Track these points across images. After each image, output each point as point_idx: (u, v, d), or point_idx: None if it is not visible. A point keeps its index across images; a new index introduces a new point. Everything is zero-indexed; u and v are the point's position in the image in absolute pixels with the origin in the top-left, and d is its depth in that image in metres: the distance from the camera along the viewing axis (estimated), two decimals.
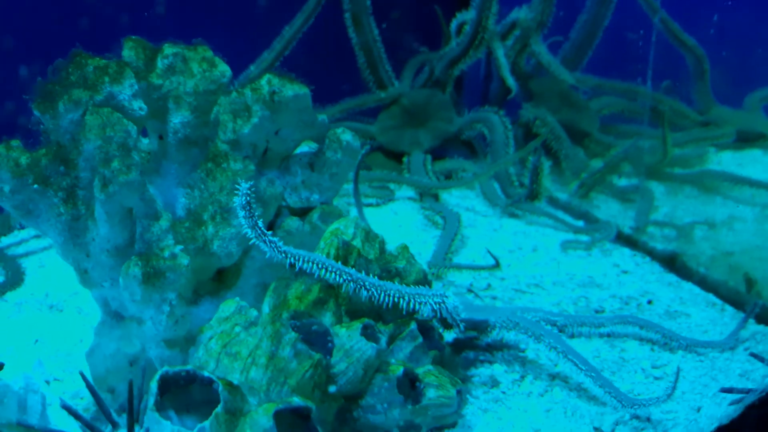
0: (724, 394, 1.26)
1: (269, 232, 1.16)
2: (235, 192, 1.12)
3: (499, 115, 2.41)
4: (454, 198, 2.35)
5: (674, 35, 2.35)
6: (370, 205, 2.28)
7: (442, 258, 1.80)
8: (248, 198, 1.11)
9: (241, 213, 1.12)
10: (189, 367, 1.03)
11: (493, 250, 1.90)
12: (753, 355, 1.35)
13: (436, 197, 2.28)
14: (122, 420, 1.11)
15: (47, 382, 1.19)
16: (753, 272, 1.56)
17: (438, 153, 2.57)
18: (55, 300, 1.75)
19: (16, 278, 1.89)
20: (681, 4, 2.23)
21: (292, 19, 2.52)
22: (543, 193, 2.13)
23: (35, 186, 1.24)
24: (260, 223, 1.14)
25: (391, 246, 1.38)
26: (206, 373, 1.03)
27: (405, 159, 2.50)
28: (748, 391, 1.18)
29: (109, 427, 1.08)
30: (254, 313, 1.24)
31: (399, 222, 2.18)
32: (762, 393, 1.07)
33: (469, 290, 1.69)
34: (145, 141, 1.40)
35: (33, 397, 1.07)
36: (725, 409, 1.24)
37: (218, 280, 1.37)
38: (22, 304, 1.74)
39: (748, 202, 1.87)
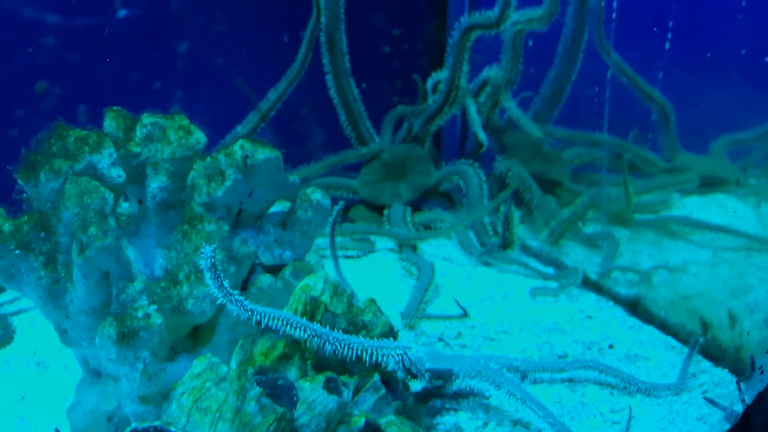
0: None
1: (236, 292, 1.23)
2: (202, 255, 1.20)
3: (473, 167, 2.51)
4: (432, 248, 2.42)
5: (639, 88, 2.46)
6: (351, 257, 2.36)
7: (416, 308, 1.86)
8: (212, 260, 1.18)
9: (207, 274, 1.19)
10: (156, 423, 1.09)
11: (466, 298, 1.96)
12: (707, 399, 1.40)
13: (414, 248, 2.36)
14: None
15: None
16: (708, 315, 1.62)
17: (417, 205, 2.67)
18: (42, 357, 1.81)
19: (5, 336, 1.95)
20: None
21: (277, 82, 2.64)
22: (515, 241, 2.21)
23: (17, 252, 1.31)
24: (226, 283, 1.21)
25: (368, 295, 1.45)
26: (173, 429, 1.09)
27: (386, 211, 2.58)
28: None
29: None
30: (225, 368, 1.30)
31: (378, 273, 2.25)
32: None
33: (440, 339, 1.75)
34: (125, 205, 1.48)
35: None
36: None
37: (194, 337, 1.44)
38: (11, 361, 1.80)
39: (708, 246, 1.95)
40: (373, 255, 2.38)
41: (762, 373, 1.06)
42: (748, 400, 1.16)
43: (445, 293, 2.03)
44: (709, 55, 1.89)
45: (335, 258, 1.96)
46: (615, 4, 2.14)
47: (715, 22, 1.88)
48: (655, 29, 1.95)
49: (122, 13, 2.55)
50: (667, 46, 1.94)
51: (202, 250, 1.19)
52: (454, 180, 2.60)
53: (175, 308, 1.35)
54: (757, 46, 1.80)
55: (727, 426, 1.21)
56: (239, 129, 2.63)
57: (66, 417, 1.37)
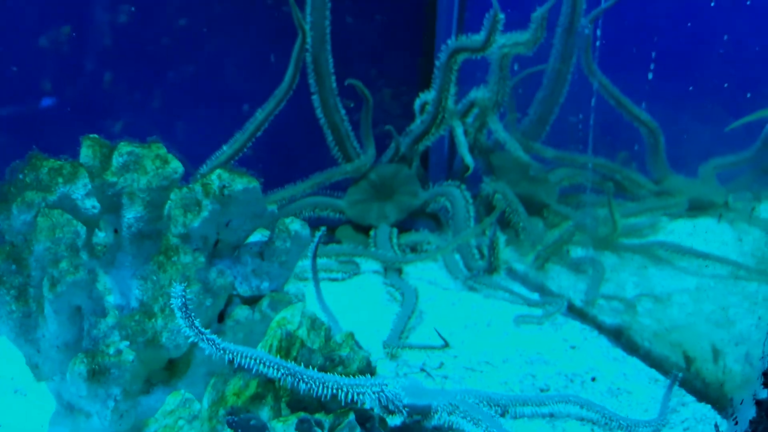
0: None
1: (208, 330, 1.21)
2: (173, 294, 1.18)
3: (460, 189, 2.49)
4: (417, 270, 2.40)
5: (628, 110, 2.44)
6: (335, 279, 2.34)
7: (398, 337, 1.84)
8: (183, 299, 1.16)
9: (179, 314, 1.17)
10: None
11: (450, 325, 1.94)
12: None
13: (399, 271, 2.34)
14: None
15: None
16: (691, 348, 1.60)
17: (404, 226, 2.65)
18: (20, 384, 1.78)
19: None
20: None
21: (264, 102, 2.62)
22: (501, 265, 2.19)
23: None
24: (197, 322, 1.19)
25: (351, 323, 1.43)
26: None
27: (372, 232, 2.56)
28: None
29: None
30: (198, 405, 1.28)
31: (363, 297, 2.23)
32: None
33: (422, 369, 1.73)
34: (101, 234, 1.46)
35: None
36: None
37: (170, 369, 1.42)
38: None
39: (695, 273, 1.92)
40: (357, 278, 2.36)
41: (736, 423, 1.04)
42: None
43: (429, 319, 2.01)
44: (691, 88, 1.88)
45: (317, 285, 1.94)
46: (599, 33, 2.14)
47: (697, 56, 1.88)
48: (638, 57, 1.95)
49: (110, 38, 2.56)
50: (650, 76, 1.93)
51: (172, 289, 1.17)
52: (440, 201, 2.59)
53: (150, 341, 1.33)
54: (739, 81, 1.79)
55: None
56: (225, 148, 2.61)
57: None
